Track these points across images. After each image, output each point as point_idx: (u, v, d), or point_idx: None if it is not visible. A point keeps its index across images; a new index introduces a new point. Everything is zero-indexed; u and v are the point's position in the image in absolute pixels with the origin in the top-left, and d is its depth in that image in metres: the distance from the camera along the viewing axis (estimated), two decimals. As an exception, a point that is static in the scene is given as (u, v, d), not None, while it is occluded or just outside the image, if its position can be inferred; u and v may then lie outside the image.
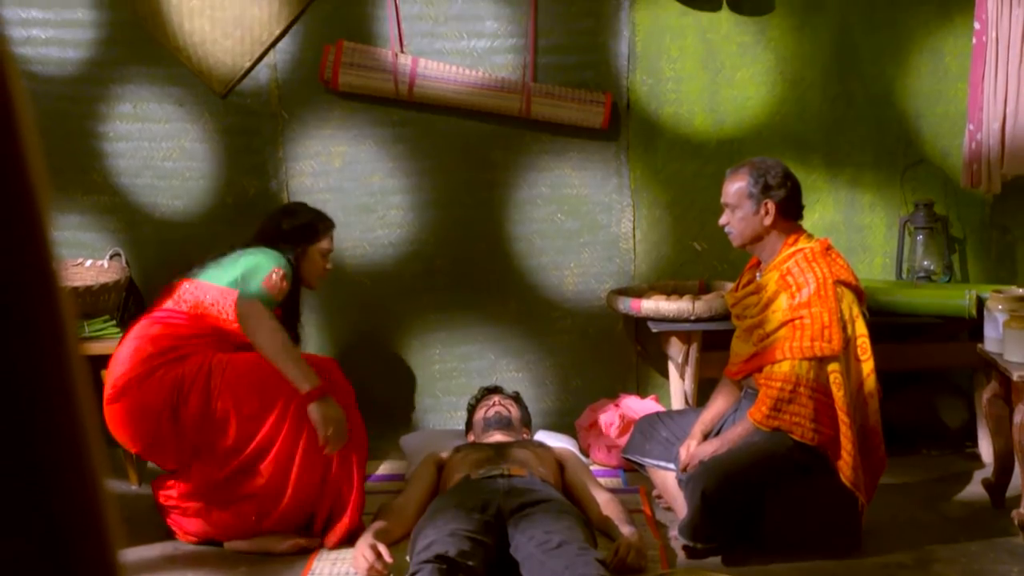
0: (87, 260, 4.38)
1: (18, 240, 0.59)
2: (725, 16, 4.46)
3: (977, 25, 4.29)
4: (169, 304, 3.54)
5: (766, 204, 3.47)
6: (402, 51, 4.40)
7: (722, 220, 3.57)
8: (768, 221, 3.48)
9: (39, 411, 0.59)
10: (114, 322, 4.09)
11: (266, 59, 4.42)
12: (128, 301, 4.33)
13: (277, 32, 4.40)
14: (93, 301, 4.07)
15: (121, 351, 3.49)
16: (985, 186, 4.32)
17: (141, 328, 3.51)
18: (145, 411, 3.39)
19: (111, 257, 4.43)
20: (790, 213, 3.52)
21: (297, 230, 3.69)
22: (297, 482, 3.39)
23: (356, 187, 4.50)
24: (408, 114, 4.46)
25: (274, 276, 3.49)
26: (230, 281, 3.52)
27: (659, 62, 4.48)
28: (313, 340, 4.46)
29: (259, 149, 4.48)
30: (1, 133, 0.58)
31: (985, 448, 4.18)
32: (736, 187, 3.51)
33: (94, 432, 0.62)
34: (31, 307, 0.59)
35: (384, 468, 4.27)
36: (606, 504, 3.47)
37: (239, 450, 3.36)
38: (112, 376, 3.44)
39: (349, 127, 4.45)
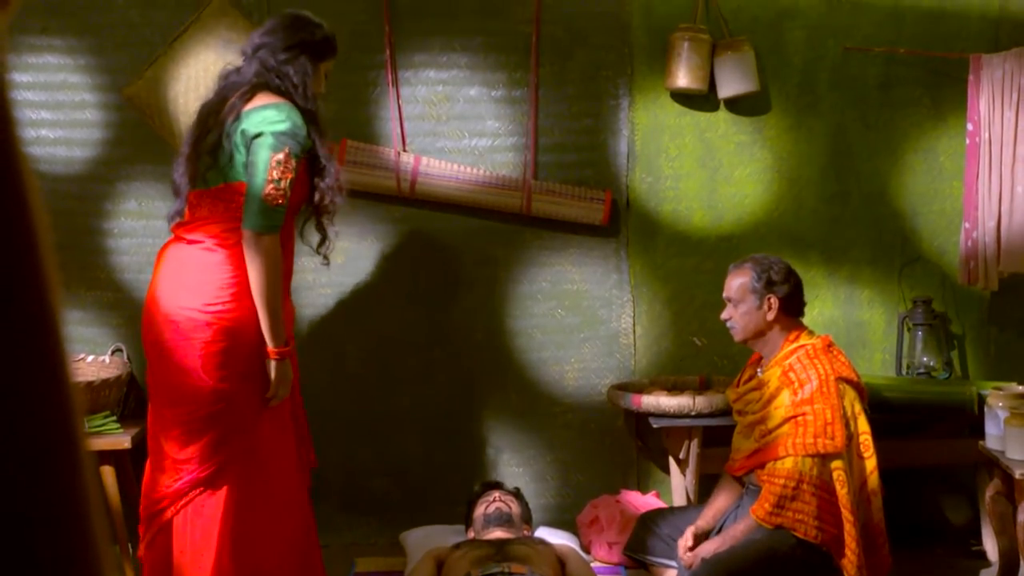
0: (88, 355, 4.38)
1: (31, 340, 0.60)
2: (722, 116, 4.53)
3: (970, 126, 4.36)
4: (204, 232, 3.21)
5: (769, 299, 3.50)
6: (404, 150, 4.46)
7: (724, 314, 3.60)
8: (771, 316, 3.50)
9: (49, 516, 0.59)
10: (115, 418, 4.08)
11: (271, 157, 4.48)
12: (129, 396, 4.32)
13: (282, 131, 4.46)
14: (94, 396, 4.06)
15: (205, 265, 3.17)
16: (982, 283, 4.35)
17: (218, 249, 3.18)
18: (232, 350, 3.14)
19: (113, 352, 4.44)
20: (792, 309, 3.54)
21: (321, 43, 3.29)
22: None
23: (357, 283, 4.53)
24: (410, 211, 4.51)
25: (274, 173, 3.08)
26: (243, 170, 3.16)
27: (658, 160, 4.55)
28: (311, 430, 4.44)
29: (262, 245, 4.51)
30: (17, 235, 0.59)
31: (990, 546, 4.13)
32: (739, 282, 3.54)
33: (103, 534, 0.62)
34: (42, 410, 0.60)
35: (384, 565, 4.22)
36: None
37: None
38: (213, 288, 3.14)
39: (351, 223, 4.49)
